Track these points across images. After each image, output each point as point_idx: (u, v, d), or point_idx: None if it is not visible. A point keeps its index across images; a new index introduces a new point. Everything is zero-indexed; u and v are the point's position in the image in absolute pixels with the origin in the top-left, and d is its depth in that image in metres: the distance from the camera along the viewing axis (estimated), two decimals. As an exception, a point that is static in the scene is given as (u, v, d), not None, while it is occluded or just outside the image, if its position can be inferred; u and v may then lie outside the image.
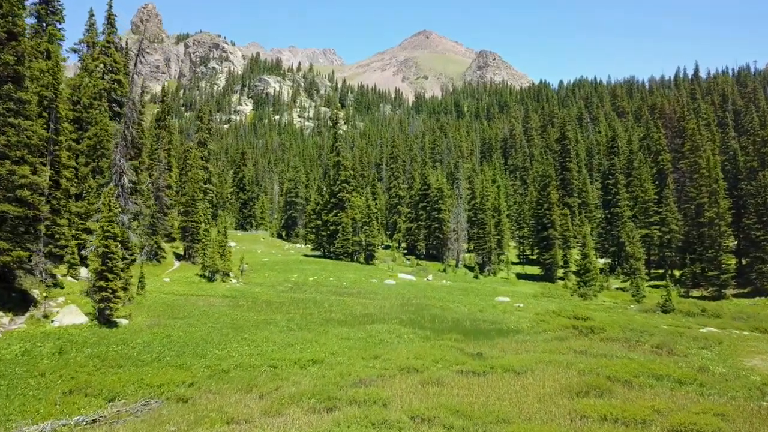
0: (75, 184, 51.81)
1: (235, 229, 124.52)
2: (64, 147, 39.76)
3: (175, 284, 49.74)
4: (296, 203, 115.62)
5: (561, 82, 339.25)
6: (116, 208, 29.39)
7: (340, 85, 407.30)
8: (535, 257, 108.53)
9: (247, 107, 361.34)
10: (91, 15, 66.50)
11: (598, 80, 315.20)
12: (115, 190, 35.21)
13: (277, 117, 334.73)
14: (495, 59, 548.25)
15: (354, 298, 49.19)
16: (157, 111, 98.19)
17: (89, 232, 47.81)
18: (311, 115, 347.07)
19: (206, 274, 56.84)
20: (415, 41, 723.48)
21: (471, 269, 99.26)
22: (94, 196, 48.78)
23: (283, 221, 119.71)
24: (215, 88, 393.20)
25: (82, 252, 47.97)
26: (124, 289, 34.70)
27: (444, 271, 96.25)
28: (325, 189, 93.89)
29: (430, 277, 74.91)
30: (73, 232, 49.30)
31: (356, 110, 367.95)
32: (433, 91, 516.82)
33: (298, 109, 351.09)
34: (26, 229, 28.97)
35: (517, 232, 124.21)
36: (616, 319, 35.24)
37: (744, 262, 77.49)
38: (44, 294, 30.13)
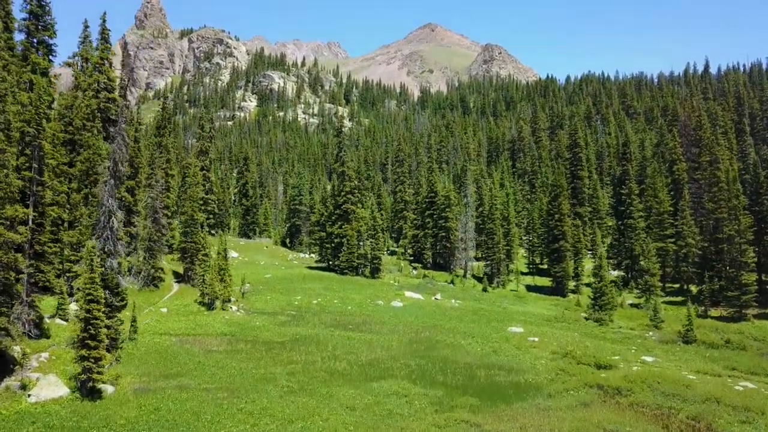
0: (67, 211, 49.57)
1: (239, 235, 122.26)
2: (49, 188, 37.24)
3: (172, 317, 47.34)
4: (300, 211, 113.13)
5: (568, 77, 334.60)
6: (99, 268, 26.93)
7: (344, 80, 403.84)
8: (545, 266, 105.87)
9: (252, 103, 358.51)
10: (86, 27, 63.81)
11: (605, 75, 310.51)
12: (103, 232, 32.67)
13: (281, 113, 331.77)
14: (501, 53, 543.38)
15: (359, 332, 46.64)
16: (157, 119, 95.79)
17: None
18: (316, 111, 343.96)
19: (205, 301, 54.49)
20: (420, 34, 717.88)
21: (479, 280, 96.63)
22: (86, 226, 46.44)
23: (286, 229, 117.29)
24: (219, 84, 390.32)
25: (74, 284, 45.72)
26: (112, 341, 32.34)
27: (452, 282, 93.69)
28: (329, 200, 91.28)
29: (438, 296, 72.30)
30: (66, 262, 47.08)
31: (361, 106, 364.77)
32: (438, 86, 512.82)
33: (303, 106, 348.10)
34: (2, 289, 26.50)
35: (526, 237, 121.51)
36: (642, 373, 32.60)
37: (765, 278, 74.61)
38: (21, 360, 27.66)
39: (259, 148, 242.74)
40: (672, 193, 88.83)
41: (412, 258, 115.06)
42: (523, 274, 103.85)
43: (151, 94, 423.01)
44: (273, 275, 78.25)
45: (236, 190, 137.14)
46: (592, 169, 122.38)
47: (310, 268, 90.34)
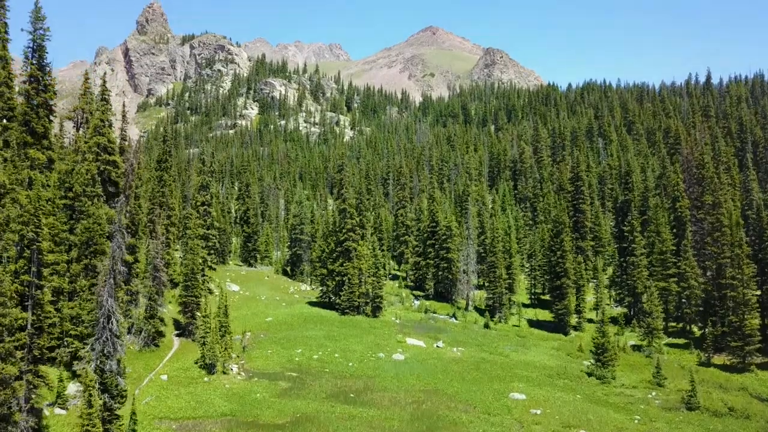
0: (67, 281, 49.33)
1: (240, 259, 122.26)
2: (48, 289, 36.99)
3: (172, 389, 47.22)
4: (302, 240, 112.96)
5: (569, 85, 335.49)
6: (98, 400, 26.79)
7: (346, 87, 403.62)
8: (546, 297, 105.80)
9: (253, 111, 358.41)
10: (86, 78, 64.09)
11: (607, 83, 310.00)
12: (103, 334, 32.49)
13: (282, 122, 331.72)
14: (502, 57, 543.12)
15: (361, 406, 46.44)
16: (158, 152, 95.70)
17: (81, 338, 45.36)
18: (317, 120, 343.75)
19: (206, 362, 54.27)
20: (422, 37, 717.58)
21: (482, 313, 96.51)
22: (85, 299, 46.25)
23: (288, 257, 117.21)
24: (220, 91, 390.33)
25: (74, 364, 45.46)
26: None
27: (453, 315, 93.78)
28: (330, 237, 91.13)
29: (440, 343, 72.00)
30: (67, 337, 46.93)
31: (362, 113, 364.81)
32: (439, 90, 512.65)
33: (304, 114, 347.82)
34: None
35: (528, 263, 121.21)
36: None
37: (768, 323, 74.29)
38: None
39: (260, 160, 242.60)
40: (674, 230, 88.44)
41: (413, 284, 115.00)
42: (524, 306, 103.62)
43: (152, 100, 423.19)
44: (274, 318, 78.05)
45: (237, 207, 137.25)
46: (594, 195, 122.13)
47: (311, 304, 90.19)
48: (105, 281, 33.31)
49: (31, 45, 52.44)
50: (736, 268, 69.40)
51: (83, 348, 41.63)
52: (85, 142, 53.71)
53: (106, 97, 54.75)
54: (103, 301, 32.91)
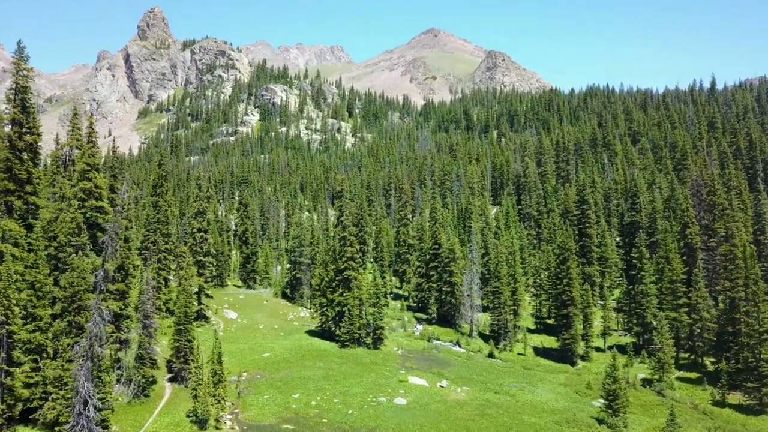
0: (50, 338, 46.87)
1: (240, 280, 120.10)
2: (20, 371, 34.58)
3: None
4: (301, 263, 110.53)
5: (572, 90, 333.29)
6: None
7: (347, 92, 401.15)
8: (551, 322, 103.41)
9: (254, 117, 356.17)
10: (75, 114, 61.85)
11: (610, 88, 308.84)
12: (79, 421, 30.04)
13: (283, 129, 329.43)
14: (504, 60, 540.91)
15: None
16: (154, 177, 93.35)
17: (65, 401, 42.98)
18: (318, 126, 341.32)
19: (199, 416, 51.80)
20: (423, 40, 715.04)
21: (486, 339, 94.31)
22: (67, 360, 43.85)
23: (287, 279, 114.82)
24: (221, 97, 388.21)
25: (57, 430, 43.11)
26: None
27: (457, 343, 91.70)
28: (330, 265, 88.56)
29: (444, 382, 69.30)
30: (50, 400, 44.55)
31: (364, 119, 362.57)
32: (441, 94, 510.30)
33: (305, 121, 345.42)
34: None
35: (532, 282, 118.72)
36: None
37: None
38: None
39: (261, 170, 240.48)
40: (685, 257, 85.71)
41: (416, 306, 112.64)
42: (529, 331, 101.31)
43: (153, 106, 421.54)
44: (271, 353, 75.48)
45: (237, 219, 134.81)
46: (600, 214, 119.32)
47: (310, 333, 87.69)
48: (81, 365, 30.82)
49: (13, 87, 49.99)
50: (751, 304, 66.75)
51: (64, 411, 39.41)
52: (71, 187, 51.25)
53: (93, 139, 52.37)
54: (79, 386, 30.47)
